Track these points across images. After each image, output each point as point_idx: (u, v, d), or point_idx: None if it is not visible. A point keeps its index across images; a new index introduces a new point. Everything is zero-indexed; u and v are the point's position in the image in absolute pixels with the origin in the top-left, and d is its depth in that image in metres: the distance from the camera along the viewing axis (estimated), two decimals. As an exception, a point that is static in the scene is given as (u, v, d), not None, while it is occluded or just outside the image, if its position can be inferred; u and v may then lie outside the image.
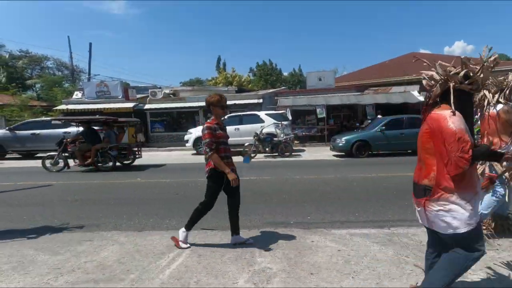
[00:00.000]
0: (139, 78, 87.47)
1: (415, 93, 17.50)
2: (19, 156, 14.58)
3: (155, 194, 6.34)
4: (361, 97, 18.06)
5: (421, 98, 16.75)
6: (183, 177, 8.12)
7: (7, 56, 32.96)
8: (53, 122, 13.94)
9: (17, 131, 13.93)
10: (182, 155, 14.02)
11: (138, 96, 20.08)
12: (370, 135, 11.58)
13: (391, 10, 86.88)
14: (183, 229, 3.43)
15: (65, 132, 12.98)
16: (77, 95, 20.73)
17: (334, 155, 12.14)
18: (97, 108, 18.03)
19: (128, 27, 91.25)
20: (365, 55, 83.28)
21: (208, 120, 3.44)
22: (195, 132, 14.34)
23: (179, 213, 4.86)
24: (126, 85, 22.41)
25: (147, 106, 18.90)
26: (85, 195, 6.38)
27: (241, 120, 14.11)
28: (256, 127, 13.18)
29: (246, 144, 12.35)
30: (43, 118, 16.16)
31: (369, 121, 15.12)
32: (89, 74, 30.31)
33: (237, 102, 18.09)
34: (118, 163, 10.24)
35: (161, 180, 7.84)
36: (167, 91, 21.46)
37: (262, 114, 14.34)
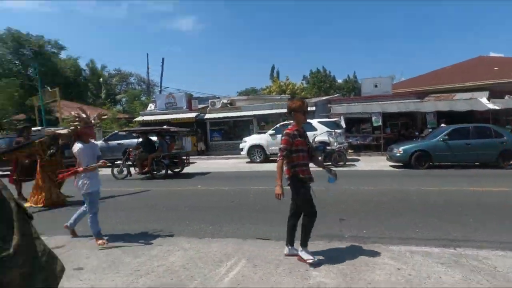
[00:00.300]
0: (201, 89, 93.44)
1: (484, 100, 15.80)
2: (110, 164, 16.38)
3: (214, 202, 6.73)
4: (421, 105, 16.83)
5: (491, 106, 15.00)
6: (238, 185, 8.49)
7: (106, 75, 37.73)
8: (119, 133, 15.69)
9: (109, 142, 15.85)
10: (237, 163, 14.56)
11: (200, 106, 21.41)
12: (431, 145, 10.74)
13: (453, 11, 79.94)
14: (300, 248, 3.40)
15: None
16: (150, 107, 22.92)
17: (391, 166, 11.50)
18: (166, 119, 19.63)
19: (193, 42, 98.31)
20: (425, 60, 77.51)
21: (289, 126, 3.42)
22: (250, 140, 14.72)
23: (236, 221, 5.15)
24: (190, 96, 24.05)
25: (207, 116, 20.07)
26: (151, 201, 7.03)
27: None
28: (308, 135, 13.04)
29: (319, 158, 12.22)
30: (126, 129, 18.04)
31: (430, 130, 14.00)
32: (161, 87, 33.26)
33: None
34: (169, 171, 10.96)
35: (220, 187, 8.27)
36: (224, 100, 22.48)
37: (314, 122, 14.08)
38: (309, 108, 17.87)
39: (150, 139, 11.26)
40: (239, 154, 15.33)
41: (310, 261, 3.27)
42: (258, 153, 14.47)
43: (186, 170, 11.58)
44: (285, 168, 3.34)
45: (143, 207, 6.47)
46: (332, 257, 3.46)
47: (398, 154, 10.93)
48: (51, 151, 6.76)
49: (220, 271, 3.23)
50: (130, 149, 11.08)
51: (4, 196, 0.86)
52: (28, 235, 0.86)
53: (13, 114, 26.48)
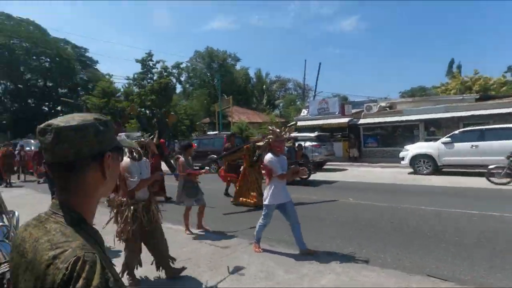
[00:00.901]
0: (358, 92, 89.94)
1: None
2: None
3: (367, 220, 6.15)
4: None
5: None
6: (398, 201, 7.47)
7: (268, 82, 42.87)
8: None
9: None
10: (396, 174, 13.03)
11: (354, 111, 20.57)
12: None
13: None
14: None
15: None
16: (304, 112, 23.84)
17: None
18: (317, 124, 19.96)
19: (354, 42, 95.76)
20: None
21: None
22: (413, 149, 12.93)
23: (396, 246, 4.58)
24: (344, 100, 23.54)
25: (361, 121, 19.04)
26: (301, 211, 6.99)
27: (482, 135, 11.23)
28: (508, 144, 10.19)
29: (491, 167, 9.73)
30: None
31: None
32: (315, 92, 34.34)
33: (476, 113, 14.80)
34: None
35: (374, 203, 7.49)
36: (383, 104, 20.72)
37: None
38: (508, 110, 14.03)
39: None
40: (398, 162, 13.71)
41: None
42: (425, 163, 12.51)
43: (335, 177, 11.28)
44: None
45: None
46: None
47: None
48: (255, 158, 7.46)
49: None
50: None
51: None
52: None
53: (202, 118, 33.48)
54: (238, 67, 43.20)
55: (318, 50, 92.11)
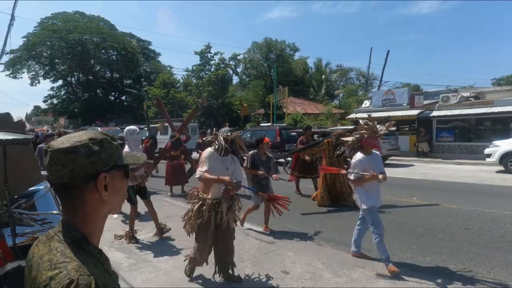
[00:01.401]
0: (433, 81, 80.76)
1: None
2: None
3: (435, 223, 5.34)
4: None
5: None
6: (477, 205, 6.39)
7: (328, 72, 41.18)
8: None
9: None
10: (477, 172, 11.27)
11: (426, 102, 18.47)
12: None
13: None
14: None
15: None
16: (365, 103, 22.05)
17: None
18: (381, 116, 18.31)
19: (434, 26, 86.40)
20: None
21: None
22: (506, 145, 11.15)
23: (469, 259, 3.85)
24: (416, 90, 21.27)
25: (434, 113, 17.01)
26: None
27: None
28: None
29: None
30: (338, 127, 17.54)
31: None
32: (381, 81, 31.83)
33: None
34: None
35: (447, 205, 6.49)
36: (466, 93, 18.27)
37: None
38: None
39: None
40: (480, 159, 12.04)
41: None
42: None
43: (398, 174, 10.19)
44: None
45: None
46: None
47: None
48: (338, 152, 6.40)
49: None
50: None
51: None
52: None
53: (257, 109, 33.54)
54: (296, 57, 42.11)
55: (387, 37, 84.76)
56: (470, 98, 17.37)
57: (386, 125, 4.06)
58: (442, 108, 16.94)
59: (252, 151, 5.08)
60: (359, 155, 3.76)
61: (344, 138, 4.79)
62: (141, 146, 5.08)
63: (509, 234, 4.71)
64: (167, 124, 11.43)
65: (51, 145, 0.82)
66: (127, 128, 4.65)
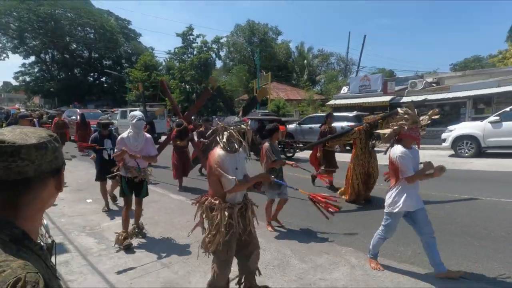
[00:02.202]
0: (406, 66, 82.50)
1: None
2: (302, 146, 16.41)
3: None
4: None
5: None
6: (436, 189, 6.54)
7: (310, 57, 41.16)
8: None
9: (302, 125, 15.63)
10: (434, 156, 11.18)
11: (397, 88, 19.28)
12: None
13: None
14: None
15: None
16: (344, 90, 22.56)
17: None
18: (358, 103, 18.85)
19: (404, 11, 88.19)
20: None
21: None
22: (458, 129, 11.75)
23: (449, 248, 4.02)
24: (390, 75, 21.88)
25: (404, 99, 17.88)
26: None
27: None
28: None
29: None
30: (317, 114, 17.83)
31: None
32: (358, 67, 32.15)
33: None
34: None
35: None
36: (429, 79, 19.06)
37: None
38: None
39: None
40: (440, 144, 12.56)
41: None
42: (467, 145, 11.36)
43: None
44: None
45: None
46: None
47: None
48: (373, 142, 5.87)
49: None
50: None
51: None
52: None
53: (241, 95, 33.62)
54: (279, 41, 41.84)
55: (364, 22, 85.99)
56: (433, 84, 18.01)
57: (429, 113, 3.45)
58: (410, 94, 17.50)
59: (266, 142, 4.67)
60: (399, 150, 3.23)
61: (380, 131, 4.16)
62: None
63: (450, 214, 5.23)
64: (167, 108, 11.04)
65: (7, 140, 0.78)
66: (133, 113, 4.14)
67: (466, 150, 11.47)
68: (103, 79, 46.59)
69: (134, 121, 4.09)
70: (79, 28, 42.33)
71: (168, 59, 38.76)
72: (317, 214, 4.78)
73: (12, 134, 0.81)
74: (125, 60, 45.82)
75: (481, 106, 15.21)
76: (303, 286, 3.25)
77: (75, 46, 44.29)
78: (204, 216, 2.77)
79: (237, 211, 2.70)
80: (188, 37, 33.43)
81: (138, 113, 4.19)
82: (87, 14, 39.88)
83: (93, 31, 42.68)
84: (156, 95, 34.80)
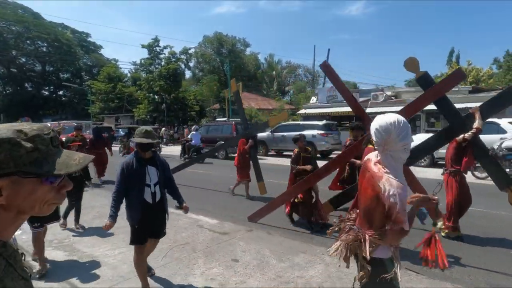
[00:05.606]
0: (367, 79, 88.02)
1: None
2: (275, 153, 16.83)
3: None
4: None
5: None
6: None
7: (279, 68, 42.22)
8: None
9: (274, 133, 16.10)
10: None
11: (361, 99, 20.34)
12: None
13: None
14: None
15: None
16: (313, 100, 23.61)
17: None
18: (326, 112, 19.79)
19: (362, 28, 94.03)
20: None
21: None
22: (416, 140, 12.76)
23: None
24: (353, 87, 23.20)
25: (368, 110, 18.91)
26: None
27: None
28: (493, 139, 9.68)
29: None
30: (289, 122, 18.24)
31: None
32: (325, 78, 33.68)
33: (469, 105, 14.28)
34: None
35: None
36: (389, 93, 20.36)
37: (504, 122, 10.44)
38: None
39: None
40: None
41: None
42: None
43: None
44: None
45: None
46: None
47: None
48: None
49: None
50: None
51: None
52: None
53: (212, 104, 33.66)
54: (248, 52, 42.79)
55: (328, 36, 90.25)
56: (392, 97, 19.30)
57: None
58: (373, 106, 18.63)
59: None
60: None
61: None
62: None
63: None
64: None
65: None
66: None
67: (422, 160, 12.32)
68: (61, 92, 44.56)
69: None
70: (27, 41, 40.37)
71: (134, 71, 38.05)
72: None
73: None
74: (86, 72, 44.52)
75: (432, 120, 16.50)
76: (281, 283, 3.41)
77: (24, 60, 42.03)
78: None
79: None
80: (154, 48, 33.12)
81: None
82: (37, 27, 38.21)
83: (45, 44, 40.92)
84: (122, 106, 33.89)
